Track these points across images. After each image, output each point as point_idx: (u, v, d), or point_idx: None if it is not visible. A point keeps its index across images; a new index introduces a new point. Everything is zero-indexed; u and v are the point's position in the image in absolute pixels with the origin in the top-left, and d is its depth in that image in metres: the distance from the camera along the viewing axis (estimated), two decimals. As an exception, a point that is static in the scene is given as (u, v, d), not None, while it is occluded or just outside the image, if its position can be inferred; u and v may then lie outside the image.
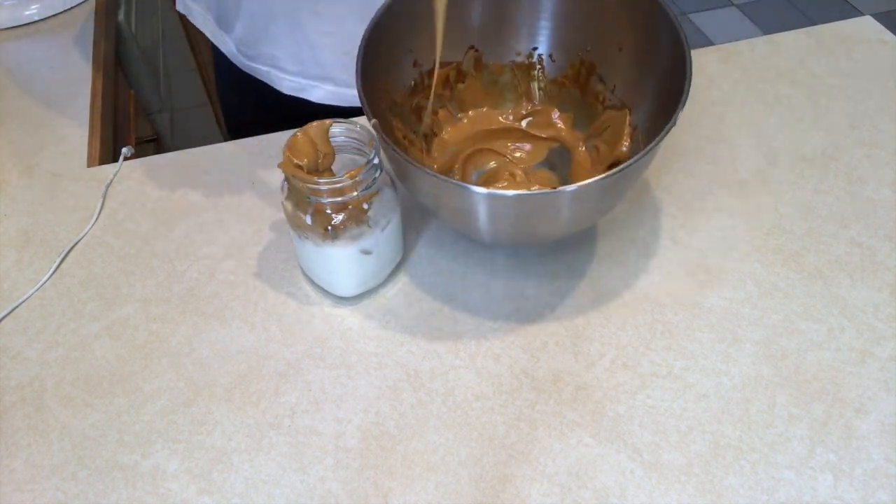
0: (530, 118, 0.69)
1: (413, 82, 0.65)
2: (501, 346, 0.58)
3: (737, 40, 0.87)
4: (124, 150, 0.73)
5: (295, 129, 0.56)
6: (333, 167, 0.58)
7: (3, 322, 0.60)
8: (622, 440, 0.53)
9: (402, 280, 0.63)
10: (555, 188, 0.51)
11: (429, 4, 0.58)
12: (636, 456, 0.52)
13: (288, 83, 0.85)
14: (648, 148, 0.51)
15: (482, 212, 0.53)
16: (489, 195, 0.51)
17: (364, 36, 0.57)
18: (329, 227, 0.55)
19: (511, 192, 0.51)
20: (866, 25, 0.89)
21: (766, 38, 0.87)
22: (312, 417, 0.54)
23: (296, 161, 0.55)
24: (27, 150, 0.75)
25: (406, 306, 0.61)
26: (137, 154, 0.74)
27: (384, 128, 0.56)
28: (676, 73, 0.56)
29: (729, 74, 0.81)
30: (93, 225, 0.67)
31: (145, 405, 0.55)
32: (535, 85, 0.68)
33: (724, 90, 0.79)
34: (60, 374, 0.57)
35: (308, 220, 0.55)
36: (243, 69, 0.87)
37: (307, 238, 0.56)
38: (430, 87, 0.64)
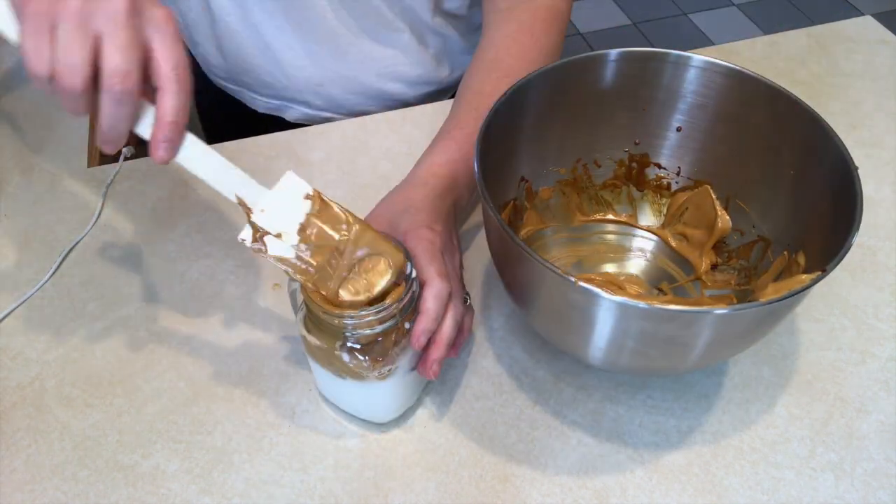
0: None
1: (514, 199, 0.60)
2: (501, 346, 0.58)
3: (737, 40, 0.87)
4: (124, 150, 0.73)
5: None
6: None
7: (3, 322, 0.60)
8: (622, 440, 0.53)
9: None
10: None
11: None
12: (636, 456, 0.52)
13: (261, 103, 0.85)
14: (841, 255, 0.43)
15: (606, 325, 0.45)
16: (633, 307, 0.43)
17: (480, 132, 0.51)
18: (369, 359, 0.47)
19: (674, 307, 0.42)
20: (866, 25, 0.89)
21: (766, 38, 0.87)
22: (312, 417, 0.54)
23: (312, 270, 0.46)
24: (27, 150, 0.75)
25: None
26: (138, 154, 0.74)
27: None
28: (784, 127, 0.54)
29: (729, 74, 0.81)
30: (93, 225, 0.67)
31: (145, 405, 0.55)
32: (584, 197, 0.64)
33: (725, 90, 0.79)
34: (60, 374, 0.57)
35: (345, 357, 0.47)
36: (213, 84, 0.86)
37: (342, 375, 0.49)
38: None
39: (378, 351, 0.47)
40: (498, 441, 0.53)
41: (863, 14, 0.95)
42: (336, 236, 0.46)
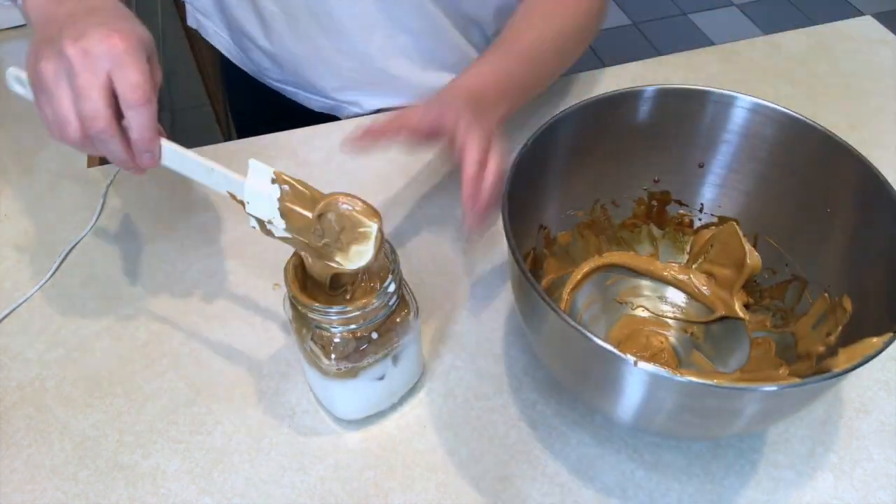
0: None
1: (533, 248, 0.57)
2: (501, 346, 0.58)
3: (737, 40, 0.87)
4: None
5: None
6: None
7: (4, 322, 0.60)
8: (622, 440, 0.53)
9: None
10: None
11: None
12: (636, 456, 0.52)
13: (317, 102, 0.84)
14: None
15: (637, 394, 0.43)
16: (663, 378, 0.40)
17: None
18: (331, 357, 0.48)
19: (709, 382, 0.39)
20: (867, 25, 0.89)
21: (766, 38, 0.87)
22: (312, 417, 0.54)
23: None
24: (27, 150, 0.75)
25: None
26: (137, 154, 0.74)
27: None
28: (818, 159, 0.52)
29: (729, 74, 0.81)
30: (93, 225, 0.67)
31: (145, 405, 0.55)
32: (602, 238, 0.61)
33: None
34: (61, 374, 0.57)
35: (309, 347, 0.48)
36: (268, 86, 0.86)
37: (309, 363, 0.50)
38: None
39: (340, 350, 0.48)
40: (498, 441, 0.53)
41: (863, 14, 0.95)
42: (309, 215, 0.47)
